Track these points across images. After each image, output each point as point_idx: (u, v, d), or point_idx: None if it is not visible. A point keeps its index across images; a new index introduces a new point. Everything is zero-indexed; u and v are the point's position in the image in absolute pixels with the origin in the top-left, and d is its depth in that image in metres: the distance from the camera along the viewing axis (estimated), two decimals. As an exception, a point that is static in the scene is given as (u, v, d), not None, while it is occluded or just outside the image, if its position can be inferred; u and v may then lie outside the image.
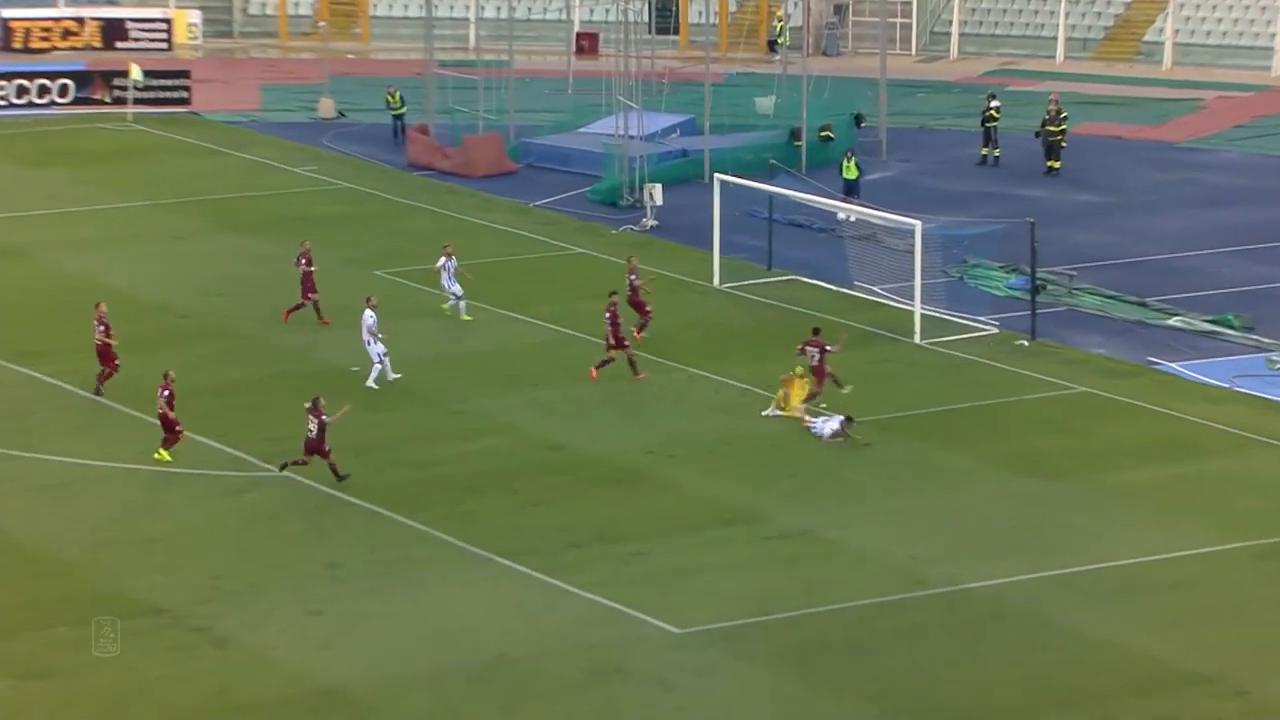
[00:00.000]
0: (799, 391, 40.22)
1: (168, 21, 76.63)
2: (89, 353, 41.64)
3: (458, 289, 45.70)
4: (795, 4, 74.27)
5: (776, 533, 35.17)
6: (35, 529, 35.12)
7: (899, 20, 75.05)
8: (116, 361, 41.02)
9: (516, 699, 29.57)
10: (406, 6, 79.24)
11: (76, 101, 67.24)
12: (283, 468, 37.04)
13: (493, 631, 31.54)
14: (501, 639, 31.29)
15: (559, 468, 37.97)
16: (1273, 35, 73.40)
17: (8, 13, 75.81)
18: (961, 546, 34.67)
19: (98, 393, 40.85)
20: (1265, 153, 63.16)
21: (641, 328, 44.02)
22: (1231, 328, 46.14)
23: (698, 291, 48.18)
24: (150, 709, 29.21)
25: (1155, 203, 57.57)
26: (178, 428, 37.73)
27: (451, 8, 76.34)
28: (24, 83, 67.29)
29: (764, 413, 40.09)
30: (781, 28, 73.65)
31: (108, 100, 67.09)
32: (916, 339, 44.46)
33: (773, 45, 74.50)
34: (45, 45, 75.08)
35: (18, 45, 74.72)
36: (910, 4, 76.29)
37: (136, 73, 66.23)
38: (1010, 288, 48.59)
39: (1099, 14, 76.21)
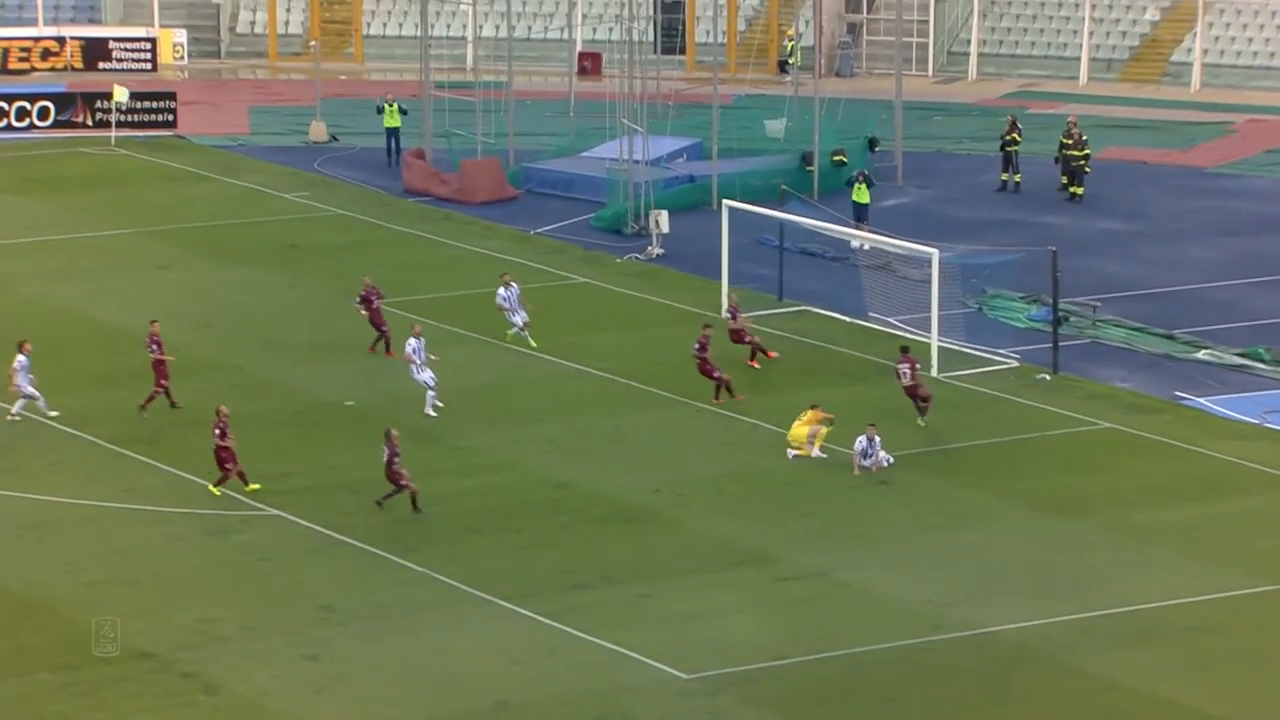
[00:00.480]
0: (804, 425, 40.49)
1: (152, 41, 76.98)
2: (70, 386, 42.01)
3: (521, 316, 46.05)
4: (807, 23, 74.69)
5: (789, 574, 35.43)
6: (16, 570, 35.36)
7: (915, 40, 75.42)
8: (165, 383, 42.02)
9: (519, 747, 29.90)
10: (401, 25, 79.67)
11: (57, 125, 67.56)
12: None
13: (494, 677, 31.77)
14: (503, 685, 31.52)
15: (563, 507, 38.24)
16: (1305, 55, 73.83)
17: (-15, 33, 76.30)
18: (981, 588, 34.94)
19: (147, 403, 42.02)
20: (1297, 179, 63.52)
21: (754, 354, 44.77)
22: (1262, 361, 46.42)
23: (706, 323, 48.43)
24: (138, 757, 29.52)
25: (1182, 231, 57.87)
26: (227, 465, 38.04)
27: (449, 26, 76.78)
28: (1, 105, 67.65)
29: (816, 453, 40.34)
30: (793, 47, 74.03)
31: (90, 123, 67.42)
32: (934, 372, 44.75)
33: (783, 66, 74.87)
34: (24, 66, 75.42)
35: (-5, 66, 75.19)
36: (927, 23, 76.63)
37: (121, 95, 66.55)
38: (1031, 319, 48.89)
39: (1124, 34, 76.59)
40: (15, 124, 67.44)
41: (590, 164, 61.21)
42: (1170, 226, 58.36)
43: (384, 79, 76.26)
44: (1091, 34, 76.10)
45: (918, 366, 42.23)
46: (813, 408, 40.70)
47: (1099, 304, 49.54)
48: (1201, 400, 44.20)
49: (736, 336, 45.40)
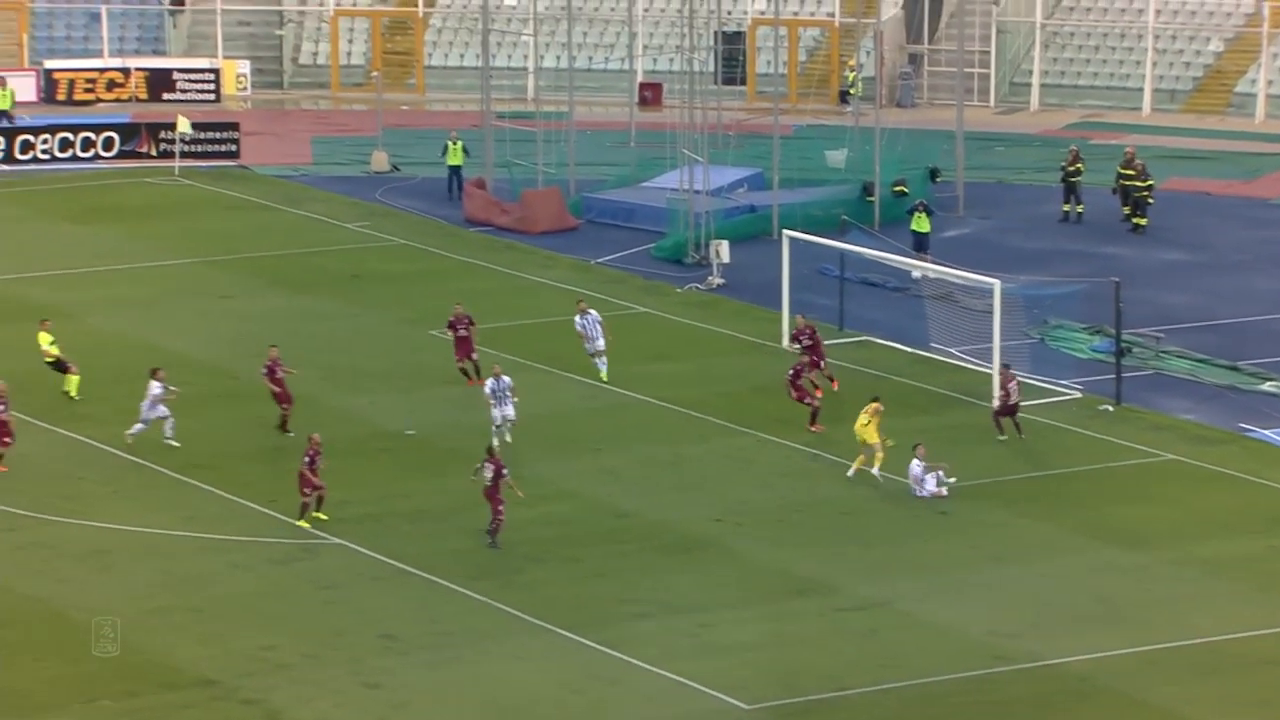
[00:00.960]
0: (870, 430, 40.64)
1: (215, 72, 77.50)
2: (133, 415, 42.15)
3: (598, 344, 45.99)
4: (868, 53, 74.72)
5: (850, 604, 35.38)
6: (80, 598, 35.52)
7: (977, 70, 75.38)
8: (288, 404, 42.67)
9: (580, 776, 29.93)
10: (463, 56, 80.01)
11: (121, 155, 67.98)
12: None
13: (554, 707, 31.82)
14: (564, 715, 31.57)
15: (623, 536, 38.28)
16: (1371, 86, 73.50)
17: (51, 64, 76.86)
18: (1044, 620, 34.82)
19: (284, 429, 42.65)
20: (1363, 210, 63.20)
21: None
22: (1328, 393, 46.24)
23: (767, 353, 48.45)
24: (200, 784, 29.66)
25: (1247, 262, 57.63)
26: (306, 491, 38.14)
27: (510, 57, 77.09)
28: (67, 135, 68.07)
29: (875, 471, 40.50)
30: (854, 78, 74.03)
31: (154, 154, 67.83)
32: (996, 403, 44.63)
33: (844, 96, 74.91)
34: (89, 97, 76.04)
35: (61, 97, 75.68)
36: (989, 54, 76.59)
37: (184, 125, 66.95)
38: (1094, 350, 48.77)
39: (1188, 64, 76.36)
40: (81, 154, 67.90)
41: (651, 194, 61.31)
42: (1234, 258, 58.13)
43: (445, 109, 76.65)
44: (1155, 65, 75.89)
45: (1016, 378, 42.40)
46: (874, 400, 40.87)
47: (1162, 335, 49.37)
48: (1266, 432, 44.00)
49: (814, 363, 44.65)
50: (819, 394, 43.64)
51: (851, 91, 73.02)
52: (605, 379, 45.89)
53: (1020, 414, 43.20)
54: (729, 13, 75.77)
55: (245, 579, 36.48)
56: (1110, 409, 45.09)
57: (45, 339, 45.69)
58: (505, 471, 37.70)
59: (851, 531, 38.54)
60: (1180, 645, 33.94)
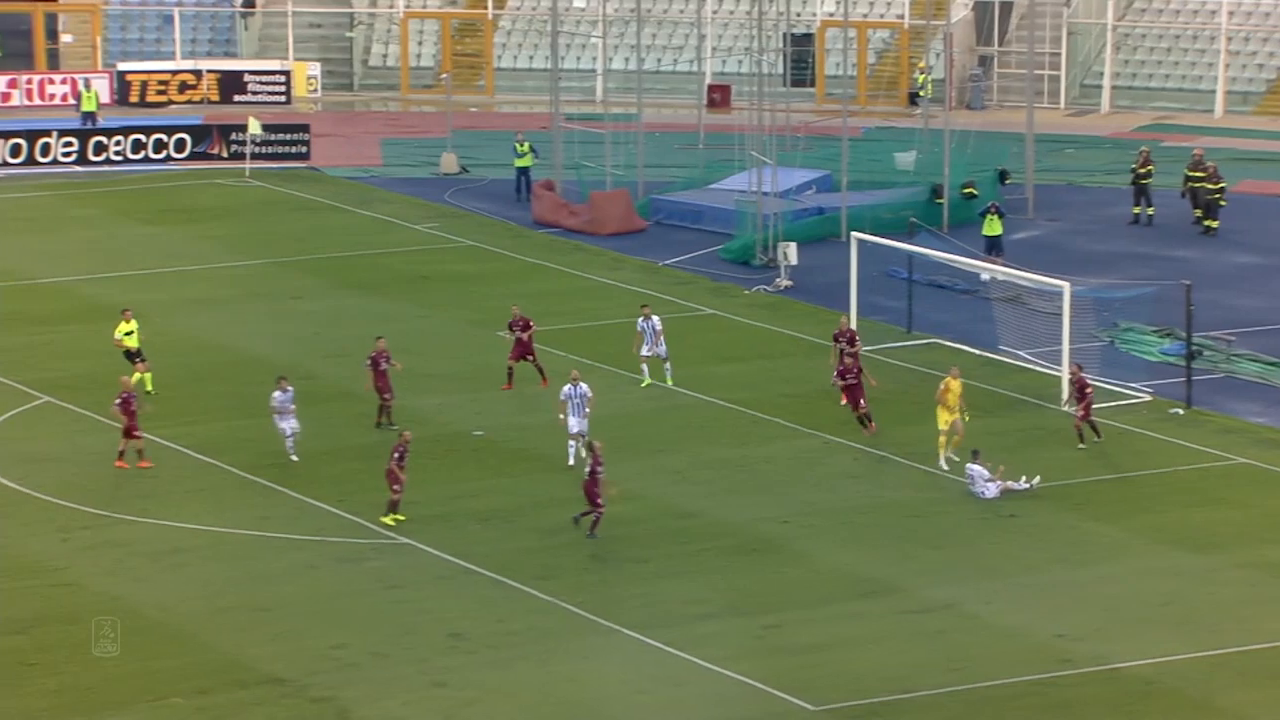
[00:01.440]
0: (947, 410, 40.92)
1: (286, 74, 78.00)
2: (205, 415, 42.59)
3: (660, 350, 45.93)
4: (938, 55, 74.68)
5: (917, 607, 35.44)
6: (152, 595, 35.86)
7: (1047, 72, 75.23)
8: (388, 396, 43.10)
9: (646, 776, 30.10)
10: (532, 58, 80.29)
11: (193, 157, 68.54)
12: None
13: (620, 707, 31.95)
14: (630, 715, 31.71)
15: (689, 536, 38.42)
16: None
17: (124, 66, 77.52)
18: (1111, 623, 34.81)
19: (383, 424, 42.91)
20: None
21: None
22: (1400, 396, 46.01)
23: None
24: (270, 781, 29.94)
25: (1319, 265, 57.45)
26: (396, 489, 38.38)
27: (579, 59, 77.32)
28: (140, 137, 68.70)
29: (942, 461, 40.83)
30: (923, 80, 74.00)
31: (225, 155, 68.37)
32: (1064, 406, 44.62)
33: (914, 98, 74.89)
34: (162, 99, 76.68)
35: (134, 99, 76.38)
36: (1059, 55, 76.45)
37: (255, 127, 67.42)
38: (1164, 353, 48.67)
39: (1260, 65, 76.02)
40: (153, 155, 68.49)
41: (719, 196, 61.45)
42: (1306, 260, 57.95)
43: (514, 111, 76.93)
44: (1227, 66, 75.60)
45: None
46: (952, 372, 41.54)
47: (1233, 338, 49.22)
48: (1337, 435, 43.85)
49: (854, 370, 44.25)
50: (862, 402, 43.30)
51: (921, 93, 73.01)
52: (670, 383, 45.88)
53: (1092, 416, 43.16)
54: (798, 14, 75.78)
55: (315, 578, 36.76)
56: (1180, 412, 45.00)
57: (123, 329, 46.01)
58: (601, 469, 37.88)
59: (918, 534, 38.59)
60: (1248, 649, 33.85)
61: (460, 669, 33.09)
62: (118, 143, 68.36)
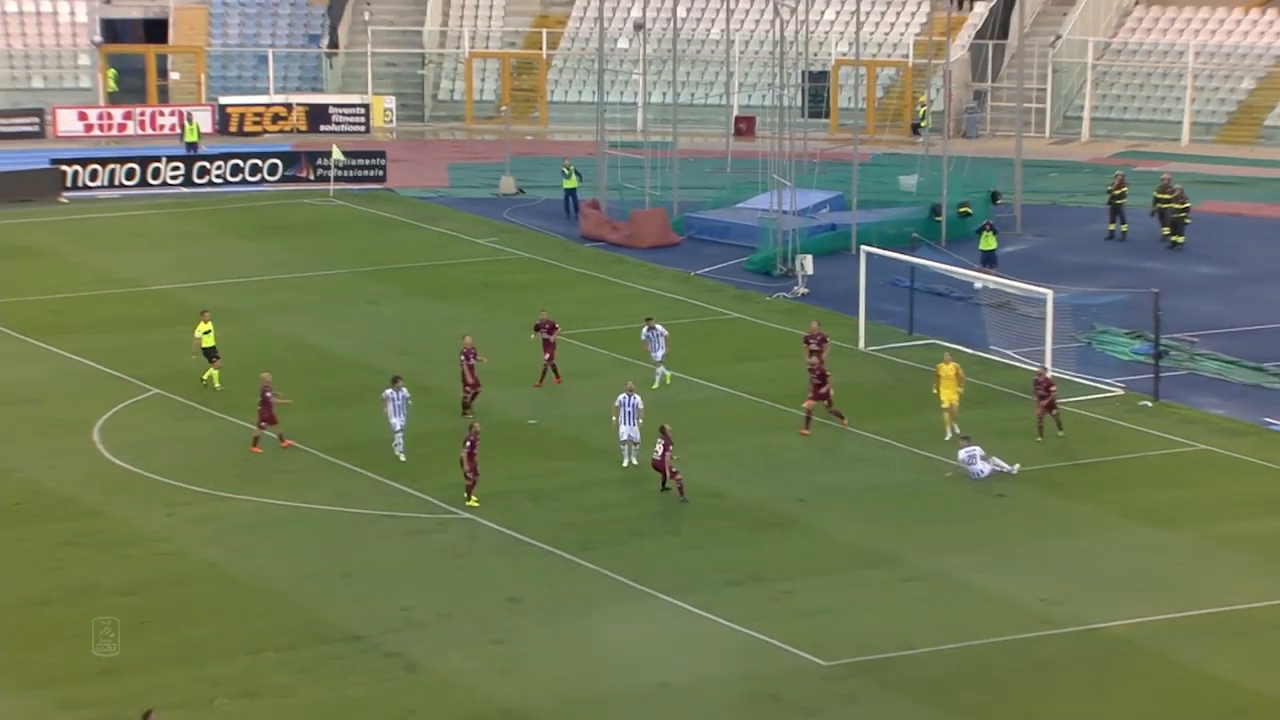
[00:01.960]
0: (948, 391, 40.91)
1: (366, 107, 78.20)
2: (295, 405, 42.60)
3: (657, 355, 45.23)
4: (938, 90, 74.58)
5: (915, 575, 35.46)
6: (247, 563, 36.04)
7: (1034, 105, 75.05)
8: (475, 388, 43.00)
9: (677, 722, 30.14)
10: (580, 92, 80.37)
11: (284, 179, 68.72)
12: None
13: (656, 661, 32.04)
14: (664, 668, 31.79)
15: (717, 513, 38.45)
16: (1386, 119, 72.69)
17: (225, 100, 77.83)
18: (1086, 589, 34.79)
19: (467, 410, 42.87)
20: (1378, 228, 62.50)
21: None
22: (1343, 391, 45.84)
23: (845, 354, 48.51)
24: (349, 725, 30.06)
25: (1273, 275, 57.11)
26: (469, 475, 38.16)
27: (621, 94, 77.36)
28: (238, 162, 68.97)
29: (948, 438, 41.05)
30: (925, 112, 73.93)
31: (312, 178, 68.57)
32: (1040, 406, 44.48)
33: (916, 128, 74.79)
34: (257, 129, 76.94)
35: (233, 129, 76.69)
36: (1045, 90, 76.26)
37: (338, 153, 67.70)
38: (1135, 353, 48.57)
39: (1222, 100, 75.83)
40: (249, 179, 68.76)
41: (744, 214, 61.43)
42: (1262, 271, 57.67)
43: (565, 139, 76.99)
44: (1193, 100, 75.41)
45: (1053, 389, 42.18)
46: (945, 359, 41.64)
47: (1196, 340, 49.11)
48: (1287, 425, 43.74)
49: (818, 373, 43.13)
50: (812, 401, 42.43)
51: (922, 124, 72.93)
52: (661, 384, 44.94)
53: (1064, 409, 43.07)
54: (815, 54, 75.73)
55: (387, 548, 36.86)
56: (1149, 405, 44.91)
57: (202, 328, 46.12)
58: (671, 447, 38.12)
59: (917, 511, 38.58)
60: (1208, 612, 33.83)
61: (515, 628, 33.18)
62: (218, 167, 68.59)
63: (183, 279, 56.64)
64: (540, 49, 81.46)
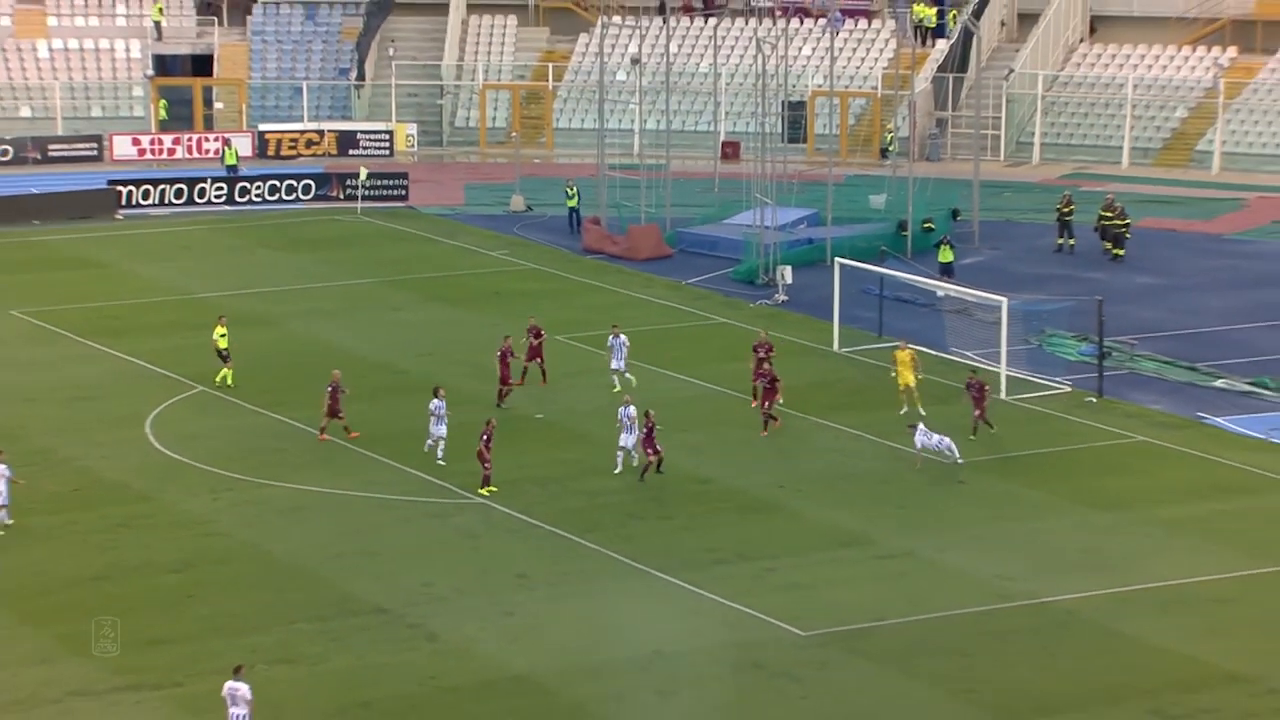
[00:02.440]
0: (906, 373, 40.90)
1: (390, 133, 78.07)
2: (319, 401, 42.42)
3: (621, 363, 44.51)
4: (904, 118, 74.48)
5: (885, 553, 35.35)
6: (282, 543, 35.97)
7: (990, 131, 74.92)
8: (510, 382, 42.86)
9: (671, 686, 30.00)
10: (584, 120, 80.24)
11: (316, 198, 68.60)
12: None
13: (651, 631, 31.96)
14: (658, 637, 31.70)
15: (706, 498, 38.35)
16: (1306, 144, 72.67)
17: (264, 126, 77.73)
18: (1039, 567, 34.70)
19: (500, 401, 42.71)
20: (1299, 242, 62.46)
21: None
22: (1267, 389, 45.78)
23: (820, 355, 48.49)
24: (377, 690, 29.88)
25: (1204, 284, 57.11)
26: (486, 466, 37.87)
27: (620, 121, 77.21)
28: (275, 183, 68.90)
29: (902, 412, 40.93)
30: (892, 137, 73.90)
31: (341, 197, 68.44)
32: (1003, 395, 44.48)
33: (884, 152, 74.71)
34: (292, 152, 76.78)
35: (271, 153, 76.55)
36: (1000, 118, 76.19)
37: (365, 175, 67.61)
38: (1081, 354, 48.46)
39: (1158, 127, 75.82)
40: (285, 197, 68.67)
41: (730, 229, 61.32)
42: (1194, 281, 57.62)
43: (569, 162, 76.87)
44: (1132, 128, 75.40)
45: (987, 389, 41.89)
46: (901, 345, 41.66)
47: (1136, 342, 49.02)
48: (1219, 419, 43.63)
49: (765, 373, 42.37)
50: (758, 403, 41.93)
51: (890, 148, 72.87)
52: (625, 388, 43.88)
53: (1018, 404, 42.95)
54: (794, 86, 75.63)
55: (410, 530, 36.76)
56: (1093, 400, 44.81)
57: (219, 331, 45.82)
58: (656, 429, 38.00)
59: (886, 496, 38.47)
60: (1148, 587, 33.76)
61: (525, 602, 33.10)
62: (257, 187, 68.50)
63: (223, 287, 56.52)
64: (547, 81, 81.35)
